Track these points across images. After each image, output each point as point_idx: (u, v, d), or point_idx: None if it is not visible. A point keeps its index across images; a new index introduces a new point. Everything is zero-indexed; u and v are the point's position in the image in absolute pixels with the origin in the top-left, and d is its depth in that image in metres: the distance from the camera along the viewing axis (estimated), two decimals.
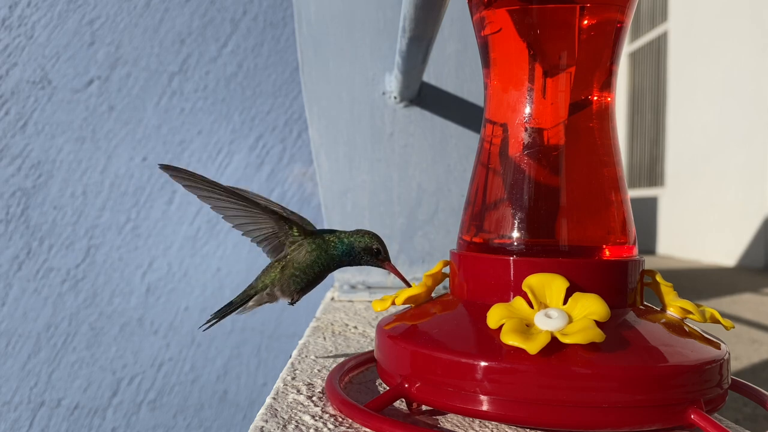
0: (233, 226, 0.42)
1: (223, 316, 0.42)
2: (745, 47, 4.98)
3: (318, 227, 0.44)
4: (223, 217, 0.41)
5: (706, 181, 5.46)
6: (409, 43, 0.57)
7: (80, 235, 0.96)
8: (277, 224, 0.41)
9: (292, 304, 0.43)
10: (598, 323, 0.29)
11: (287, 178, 1.00)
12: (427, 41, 0.57)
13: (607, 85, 0.36)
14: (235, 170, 1.00)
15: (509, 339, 0.28)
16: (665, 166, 6.27)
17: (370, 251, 0.42)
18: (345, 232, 0.43)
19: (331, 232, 0.43)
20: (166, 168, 0.38)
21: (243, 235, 0.42)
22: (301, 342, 0.51)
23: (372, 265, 0.43)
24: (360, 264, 0.42)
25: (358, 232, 0.42)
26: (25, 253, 0.95)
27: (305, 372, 0.41)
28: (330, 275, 0.44)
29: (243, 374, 1.01)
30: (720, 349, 0.31)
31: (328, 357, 0.46)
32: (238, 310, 0.42)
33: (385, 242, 0.42)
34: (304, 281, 0.42)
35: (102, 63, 0.96)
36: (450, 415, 0.33)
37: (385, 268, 0.42)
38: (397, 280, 0.42)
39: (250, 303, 0.43)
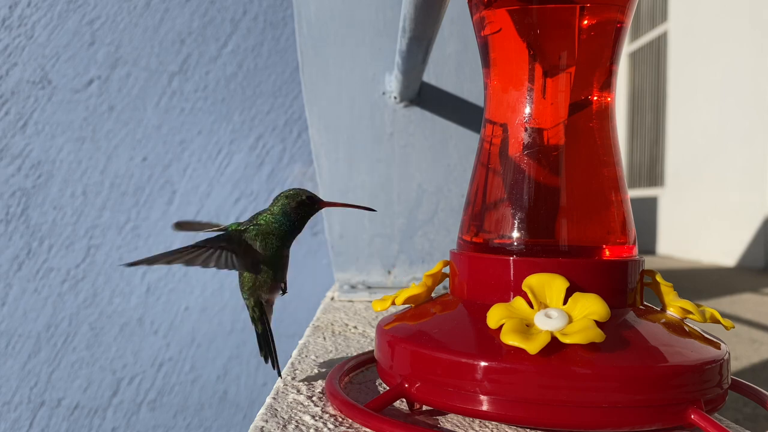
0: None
1: (266, 346, 0.40)
2: (745, 48, 4.98)
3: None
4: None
5: (706, 181, 5.46)
6: (409, 43, 0.57)
7: (80, 235, 0.96)
8: (220, 243, 0.39)
9: (283, 293, 0.43)
10: (598, 323, 0.29)
11: (287, 178, 1.00)
12: (427, 41, 0.57)
13: (607, 85, 0.36)
14: (235, 170, 1.00)
15: (509, 339, 0.28)
16: (665, 166, 6.27)
17: (303, 204, 0.40)
18: (269, 207, 0.41)
19: (257, 215, 0.41)
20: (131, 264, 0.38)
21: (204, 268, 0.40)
22: (301, 342, 0.51)
23: (312, 215, 0.41)
24: (305, 223, 0.41)
25: (278, 198, 0.41)
26: (25, 253, 0.95)
27: (305, 372, 0.41)
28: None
29: (243, 374, 1.01)
30: (720, 349, 0.31)
31: (328, 357, 0.46)
32: (268, 329, 0.41)
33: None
34: (271, 276, 0.40)
35: (102, 63, 0.96)
36: (450, 415, 0.33)
37: (323, 207, 0.41)
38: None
39: (269, 315, 0.42)
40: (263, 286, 0.41)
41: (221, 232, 0.41)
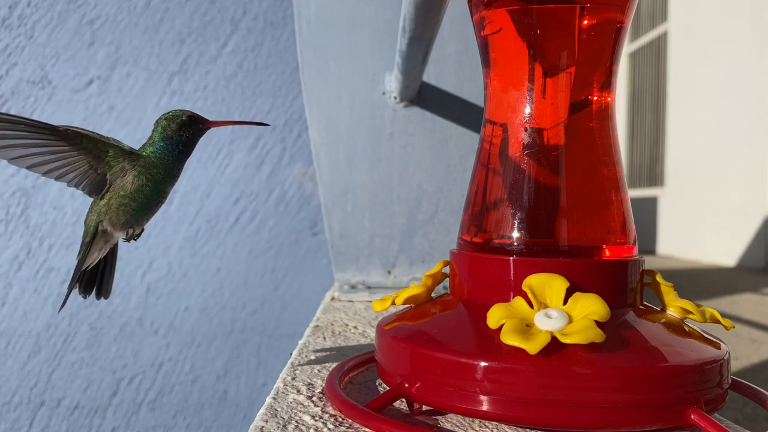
0: (43, 174, 0.35)
1: (78, 280, 0.37)
2: (745, 48, 4.98)
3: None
4: (28, 167, 0.35)
5: (706, 181, 5.46)
6: (409, 43, 0.57)
7: (80, 235, 0.96)
8: (89, 154, 0.36)
9: (128, 239, 0.38)
10: (598, 323, 0.29)
11: (287, 178, 1.00)
12: (427, 41, 0.57)
13: (607, 85, 0.36)
14: (235, 170, 1.00)
15: (509, 339, 0.28)
16: (665, 166, 6.27)
17: (185, 125, 0.37)
18: (152, 134, 0.37)
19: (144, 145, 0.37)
20: None
21: (57, 180, 0.36)
22: (301, 342, 0.51)
23: (199, 136, 0.38)
24: (192, 146, 0.38)
25: (158, 122, 0.37)
26: (25, 253, 0.95)
27: (305, 372, 0.41)
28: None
29: (243, 374, 1.01)
30: (720, 349, 0.31)
31: (328, 357, 0.46)
32: (89, 263, 0.38)
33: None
34: (134, 207, 0.37)
35: (102, 63, 0.96)
36: (450, 415, 0.33)
37: (210, 127, 0.38)
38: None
39: (94, 250, 0.38)
40: (114, 220, 0.37)
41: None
